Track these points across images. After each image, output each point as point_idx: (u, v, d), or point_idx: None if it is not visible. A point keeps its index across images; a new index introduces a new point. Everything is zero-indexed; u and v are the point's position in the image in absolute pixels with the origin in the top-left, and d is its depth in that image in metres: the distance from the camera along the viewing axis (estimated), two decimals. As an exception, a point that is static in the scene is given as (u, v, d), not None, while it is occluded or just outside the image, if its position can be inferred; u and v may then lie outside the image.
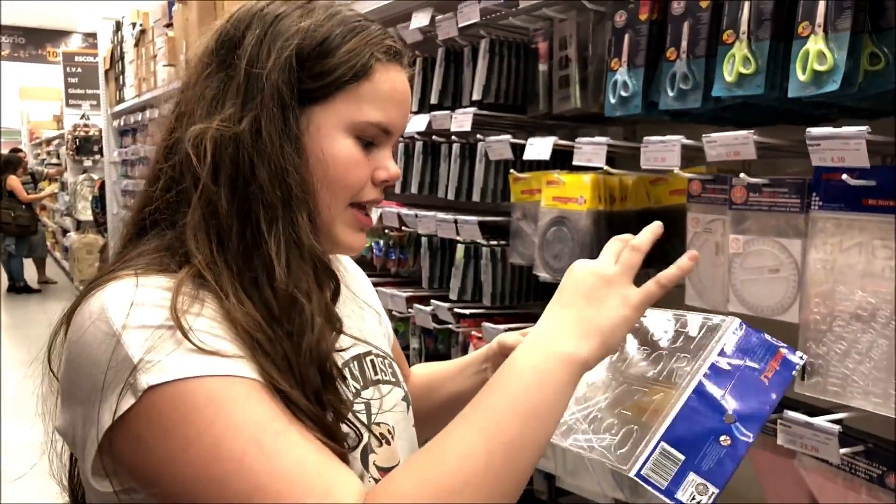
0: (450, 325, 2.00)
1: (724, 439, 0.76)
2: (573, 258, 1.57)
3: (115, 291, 0.70)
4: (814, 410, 1.17)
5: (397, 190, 2.22)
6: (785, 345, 0.85)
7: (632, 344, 0.94)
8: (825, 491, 1.25)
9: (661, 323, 0.93)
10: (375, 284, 2.36)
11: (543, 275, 1.67)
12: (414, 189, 2.12)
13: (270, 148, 0.74)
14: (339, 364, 0.82)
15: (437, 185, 2.06)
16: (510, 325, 1.80)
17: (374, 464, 0.83)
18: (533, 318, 1.93)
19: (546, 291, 1.94)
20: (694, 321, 0.90)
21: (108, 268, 0.76)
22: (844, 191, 1.13)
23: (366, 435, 0.82)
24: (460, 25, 1.83)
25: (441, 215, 1.95)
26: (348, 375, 0.84)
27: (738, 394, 0.79)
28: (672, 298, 1.52)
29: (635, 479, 0.74)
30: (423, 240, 2.12)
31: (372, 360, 0.90)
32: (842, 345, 1.16)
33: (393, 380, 0.92)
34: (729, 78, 1.24)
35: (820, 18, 1.10)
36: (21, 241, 8.94)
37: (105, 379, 0.66)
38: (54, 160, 11.55)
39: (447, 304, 1.98)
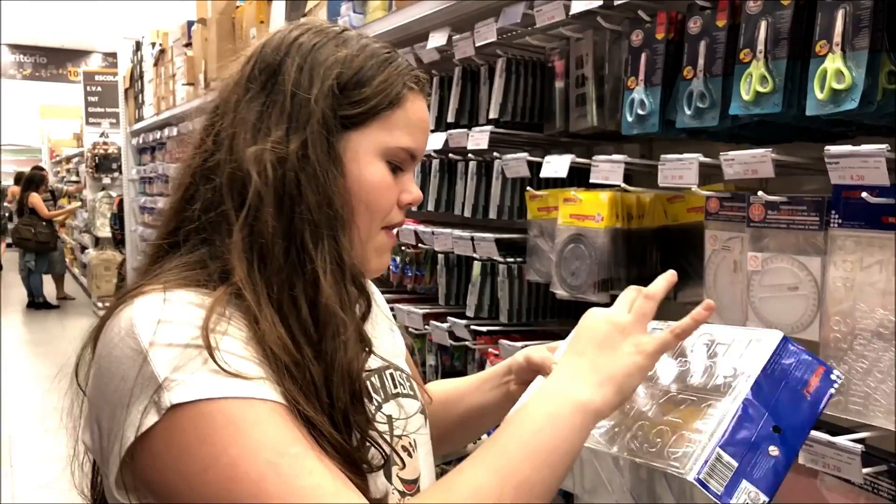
0: (466, 342, 2.01)
1: (773, 450, 0.77)
2: (590, 276, 1.59)
3: (143, 307, 0.71)
4: (835, 430, 1.17)
5: (413, 207, 2.23)
6: (823, 361, 0.85)
7: (667, 358, 0.94)
8: (848, 511, 1.23)
9: (694, 336, 0.93)
10: (392, 301, 2.38)
11: (560, 292, 1.67)
12: (430, 206, 2.14)
13: (318, 170, 0.77)
14: (364, 375, 0.83)
15: (454, 202, 2.07)
16: (527, 343, 1.80)
17: (398, 476, 0.84)
18: (550, 336, 1.95)
19: (563, 309, 1.94)
20: (733, 333, 0.90)
21: (136, 282, 0.78)
22: (864, 208, 1.13)
23: (389, 450, 0.83)
24: (477, 45, 1.85)
25: (458, 232, 1.96)
26: (371, 390, 0.85)
27: (785, 406, 0.79)
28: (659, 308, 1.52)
29: (694, 482, 0.74)
30: (440, 257, 2.13)
31: (391, 374, 0.91)
32: (863, 363, 1.15)
33: (411, 393, 0.93)
34: (746, 96, 1.24)
35: (837, 37, 1.11)
36: (40, 257, 9.05)
37: (131, 395, 0.68)
38: (74, 178, 11.70)
39: (464, 321, 1.98)
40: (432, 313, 2.18)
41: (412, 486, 0.86)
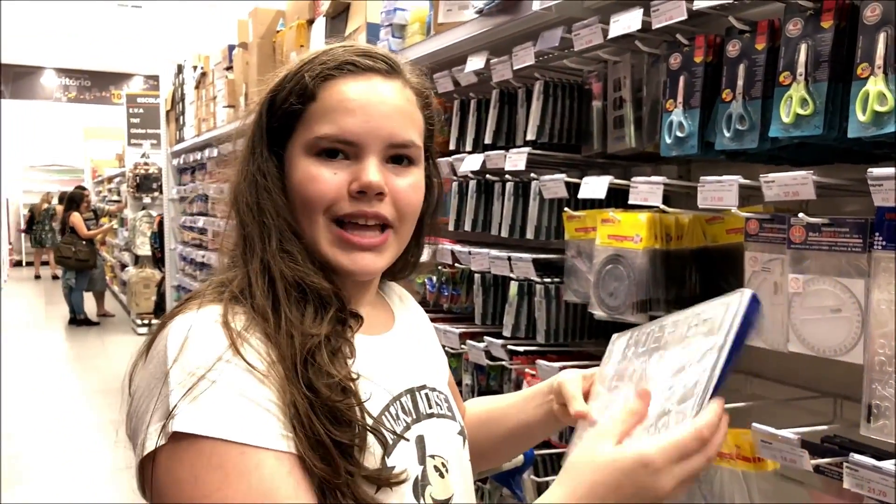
0: (503, 362, 2.01)
1: None
2: (629, 296, 1.59)
3: (176, 328, 0.76)
4: (881, 454, 1.15)
5: (450, 227, 2.25)
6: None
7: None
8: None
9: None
10: (432, 321, 2.39)
11: (599, 312, 1.67)
12: (468, 227, 2.16)
13: (248, 187, 0.85)
14: (390, 399, 0.85)
15: (491, 222, 2.09)
16: (564, 364, 1.81)
17: (430, 495, 0.85)
18: (587, 357, 1.94)
19: (601, 329, 1.94)
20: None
21: (186, 297, 0.83)
22: (909, 230, 1.13)
23: (418, 468, 0.84)
24: (515, 68, 1.87)
25: (494, 252, 1.97)
26: (400, 411, 0.86)
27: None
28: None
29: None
30: (477, 276, 2.14)
31: (426, 394, 0.92)
32: (909, 387, 1.14)
33: (448, 414, 0.94)
34: (786, 119, 1.24)
35: (879, 60, 1.11)
36: (81, 274, 9.26)
37: (151, 413, 0.72)
38: (115, 197, 11.97)
39: (500, 341, 1.99)
40: (469, 332, 2.19)
41: None
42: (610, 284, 1.64)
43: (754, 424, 1.29)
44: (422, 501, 0.84)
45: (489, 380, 2.28)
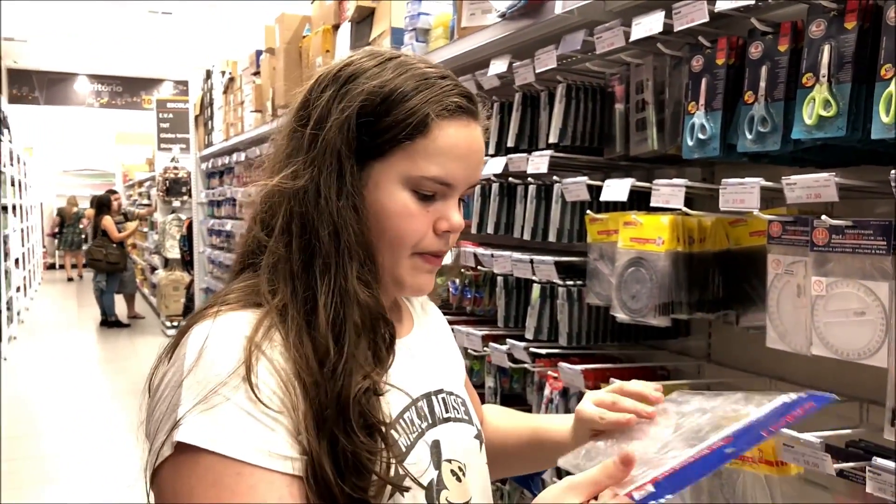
0: (525, 365, 2.02)
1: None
2: (651, 299, 1.59)
3: (195, 335, 0.77)
4: (907, 458, 1.14)
5: (473, 230, 2.26)
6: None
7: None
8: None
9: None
10: (451, 323, 2.40)
11: (621, 315, 1.67)
12: (490, 229, 2.17)
13: (326, 202, 0.81)
14: (407, 404, 0.86)
15: (513, 225, 2.10)
16: (586, 366, 1.81)
17: (446, 499, 0.86)
18: (609, 359, 1.94)
19: (623, 332, 1.94)
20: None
21: (205, 303, 0.83)
22: (933, 233, 1.12)
23: (434, 472, 0.85)
24: (537, 71, 1.88)
25: (517, 255, 1.98)
26: (416, 416, 0.86)
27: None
28: (754, 340, 1.50)
29: None
30: (499, 279, 2.15)
31: (444, 399, 0.93)
32: (933, 391, 1.13)
33: (465, 418, 0.95)
34: (809, 121, 1.24)
35: (903, 61, 1.10)
36: (112, 277, 9.42)
37: (164, 420, 0.74)
38: (145, 201, 12.16)
39: (523, 344, 2.00)
40: (491, 335, 2.20)
41: None
42: (632, 287, 1.64)
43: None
44: None
45: (512, 382, 2.28)
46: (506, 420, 1.18)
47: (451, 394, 0.95)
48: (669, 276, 1.57)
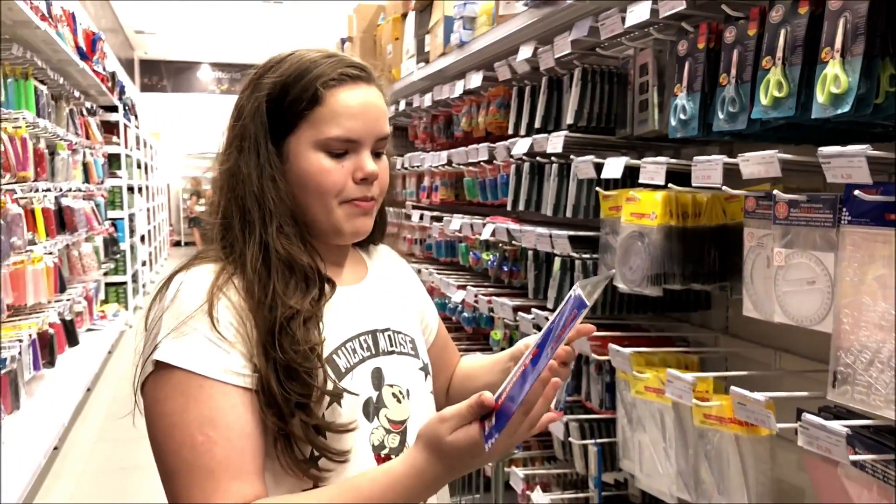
0: (549, 333, 2.15)
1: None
2: (644, 270, 1.69)
3: (174, 283, 1.00)
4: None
5: (509, 207, 2.41)
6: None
7: None
8: (864, 500, 1.27)
9: None
10: (489, 294, 2.56)
11: (621, 286, 1.78)
12: (521, 206, 2.30)
13: (248, 178, 1.02)
14: (349, 336, 1.05)
15: (542, 202, 2.23)
16: (597, 333, 1.93)
17: (385, 416, 1.05)
18: (622, 328, 2.05)
19: (635, 302, 2.04)
20: None
21: (192, 257, 1.06)
22: (870, 206, 1.18)
23: (374, 392, 1.04)
24: (556, 56, 2.00)
25: (539, 230, 2.11)
26: (358, 347, 1.06)
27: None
28: (730, 305, 1.57)
29: None
30: (529, 253, 2.29)
31: (389, 336, 1.11)
32: (866, 354, 1.20)
33: (410, 353, 1.13)
34: (765, 101, 1.32)
35: (838, 44, 1.17)
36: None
37: (146, 344, 0.96)
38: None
39: (545, 313, 2.14)
40: (522, 306, 2.35)
41: (399, 425, 1.07)
42: (630, 259, 1.75)
43: (732, 388, 1.38)
44: (376, 421, 1.04)
45: (546, 351, 2.42)
46: (479, 360, 1.35)
47: (398, 332, 1.13)
48: (662, 248, 1.67)
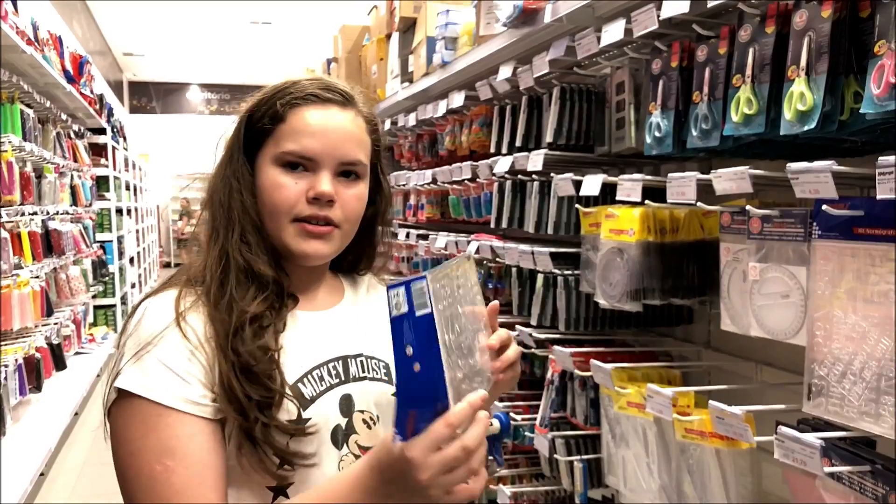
0: (534, 350, 2.16)
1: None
2: (624, 286, 1.71)
3: (140, 309, 1.01)
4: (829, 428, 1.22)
5: (492, 224, 2.42)
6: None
7: None
8: (841, 512, 1.28)
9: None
10: (473, 311, 2.55)
11: (602, 301, 1.80)
12: (505, 224, 2.32)
13: (220, 188, 1.06)
14: (316, 364, 1.05)
15: (524, 219, 2.25)
16: (577, 350, 1.94)
17: (355, 443, 1.05)
18: (605, 343, 2.06)
19: (623, 319, 2.05)
20: None
21: (162, 282, 1.08)
22: (839, 220, 1.20)
23: (342, 419, 1.04)
24: (535, 76, 2.03)
25: (522, 247, 2.13)
26: (326, 374, 1.05)
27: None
28: (712, 320, 1.58)
29: None
30: (513, 270, 2.31)
31: (362, 362, 1.11)
32: (839, 367, 1.21)
33: (384, 378, 1.12)
34: (736, 118, 1.34)
35: (803, 62, 1.20)
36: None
37: (113, 370, 0.97)
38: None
39: (528, 330, 2.15)
40: (508, 323, 2.35)
41: (367, 451, 1.04)
42: (610, 275, 1.77)
43: (711, 402, 1.39)
44: (346, 448, 1.03)
45: (533, 367, 2.44)
46: None
47: (371, 358, 1.12)
48: (640, 264, 1.68)
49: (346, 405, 1.06)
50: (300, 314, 1.08)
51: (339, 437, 1.03)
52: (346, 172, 1.08)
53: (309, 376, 1.03)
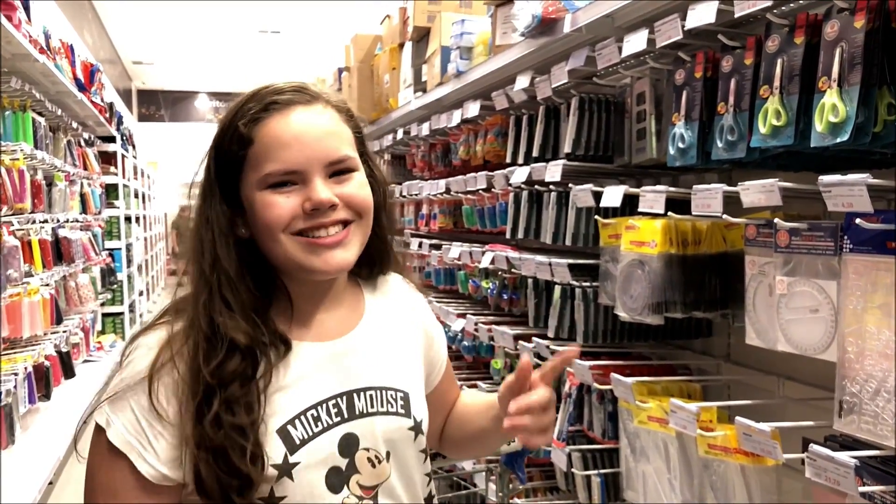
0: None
1: None
2: (645, 299, 1.69)
3: (131, 346, 1.00)
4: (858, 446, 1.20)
5: (508, 235, 2.40)
6: None
7: None
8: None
9: None
10: (490, 323, 2.55)
11: (622, 314, 1.77)
12: (521, 234, 2.30)
13: (199, 235, 1.00)
14: (315, 402, 0.99)
15: (541, 230, 2.23)
16: (595, 363, 1.92)
17: (357, 483, 0.99)
18: (623, 356, 2.03)
19: (636, 330, 2.03)
20: None
21: (157, 315, 1.04)
22: (872, 234, 1.18)
23: (342, 461, 0.99)
24: (553, 86, 2.01)
25: (539, 258, 2.11)
26: (324, 413, 0.99)
27: None
28: (732, 332, 1.56)
29: None
30: (529, 281, 2.28)
31: (371, 395, 1.03)
32: (872, 384, 1.19)
33: (398, 412, 1.05)
34: (763, 130, 1.32)
35: (835, 74, 1.18)
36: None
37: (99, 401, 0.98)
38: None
39: (546, 342, 2.12)
40: (523, 334, 2.33)
41: (370, 490, 1.00)
42: (631, 287, 1.75)
43: (737, 418, 1.37)
44: (345, 490, 0.98)
45: (548, 379, 2.41)
46: (473, 400, 1.31)
47: (385, 389, 1.05)
48: (663, 276, 1.66)
49: (348, 445, 1.00)
50: (304, 346, 1.02)
51: (337, 480, 0.98)
52: (337, 171, 0.99)
53: (303, 417, 0.97)
